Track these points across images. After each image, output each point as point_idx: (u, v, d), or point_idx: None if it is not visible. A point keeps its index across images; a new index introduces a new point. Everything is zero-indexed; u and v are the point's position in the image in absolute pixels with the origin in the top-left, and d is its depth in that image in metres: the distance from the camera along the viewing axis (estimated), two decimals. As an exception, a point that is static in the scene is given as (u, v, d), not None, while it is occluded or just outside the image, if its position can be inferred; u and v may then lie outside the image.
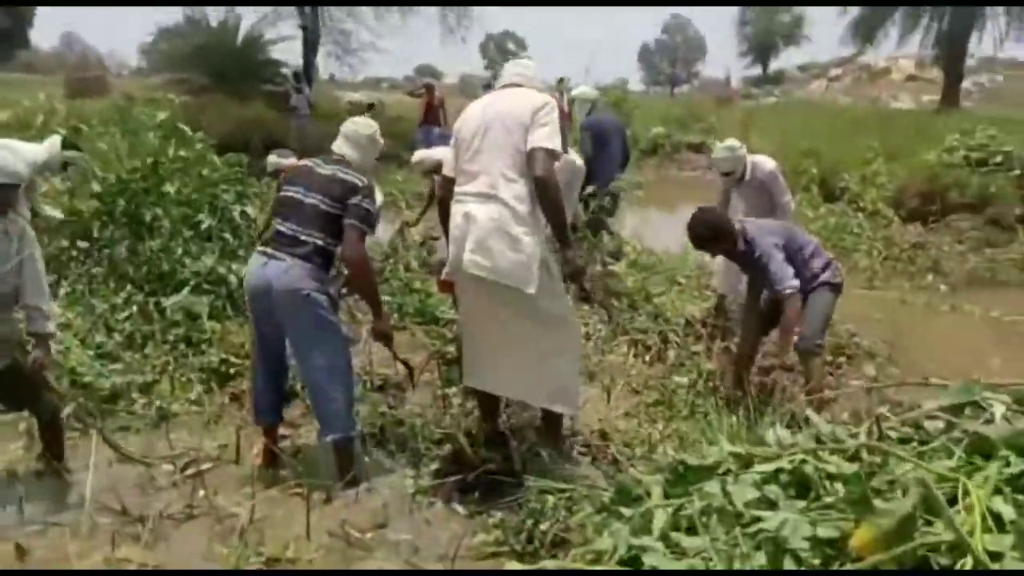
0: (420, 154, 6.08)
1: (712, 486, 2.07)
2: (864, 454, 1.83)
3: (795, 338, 3.80)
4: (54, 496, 3.03)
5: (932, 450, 1.75)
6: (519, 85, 3.16)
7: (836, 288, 3.86)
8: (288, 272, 3.01)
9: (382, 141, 3.44)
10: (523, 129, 2.90)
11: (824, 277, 3.82)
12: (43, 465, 3.25)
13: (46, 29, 75.22)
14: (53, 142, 5.44)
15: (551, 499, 2.74)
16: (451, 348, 4.62)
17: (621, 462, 3.16)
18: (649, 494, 2.34)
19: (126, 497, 2.94)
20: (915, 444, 1.85)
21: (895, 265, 7.59)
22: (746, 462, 2.20)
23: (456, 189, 3.09)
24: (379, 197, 5.80)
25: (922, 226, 8.73)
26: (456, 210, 3.04)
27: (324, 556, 2.68)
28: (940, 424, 1.85)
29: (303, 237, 3.08)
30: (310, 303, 3.02)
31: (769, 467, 1.96)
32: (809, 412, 2.33)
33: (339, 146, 3.31)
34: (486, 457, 3.12)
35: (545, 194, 2.87)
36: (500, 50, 64.02)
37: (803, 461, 1.92)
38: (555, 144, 2.89)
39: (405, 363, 3.76)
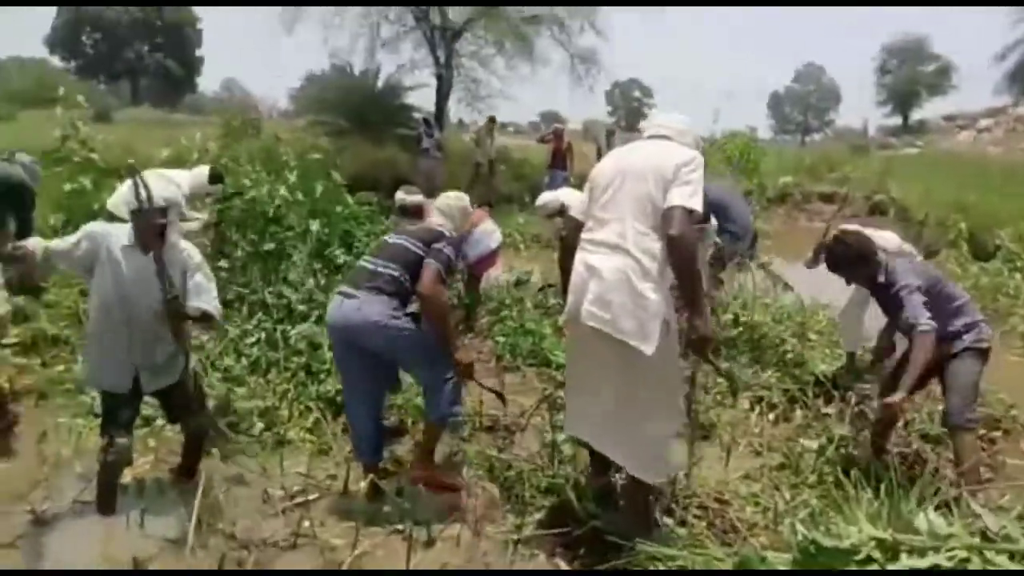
0: (545, 197, 6.10)
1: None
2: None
3: (946, 411, 3.41)
4: (174, 512, 3.12)
5: None
6: (666, 137, 3.00)
7: (982, 354, 3.43)
8: (360, 309, 3.18)
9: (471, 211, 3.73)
10: (663, 183, 2.73)
11: (968, 339, 3.41)
12: (170, 480, 3.41)
13: (211, 75, 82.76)
14: (201, 171, 5.88)
15: (661, 566, 2.55)
16: (562, 393, 4.52)
17: (740, 531, 2.90)
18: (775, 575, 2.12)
19: (236, 520, 3.00)
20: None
21: (1056, 332, 6.78)
22: (891, 550, 1.94)
23: (583, 235, 2.95)
24: (497, 236, 5.86)
25: (1090, 289, 7.80)
26: (580, 258, 2.90)
27: (422, 601, 2.61)
28: None
29: (380, 269, 3.29)
30: (388, 329, 3.17)
31: (922, 562, 1.71)
32: (971, 501, 2.03)
33: (435, 219, 3.60)
34: (594, 513, 2.95)
35: (679, 254, 2.68)
36: (625, 97, 64.39)
37: (965, 559, 1.67)
38: (695, 204, 2.71)
39: (496, 392, 3.78)
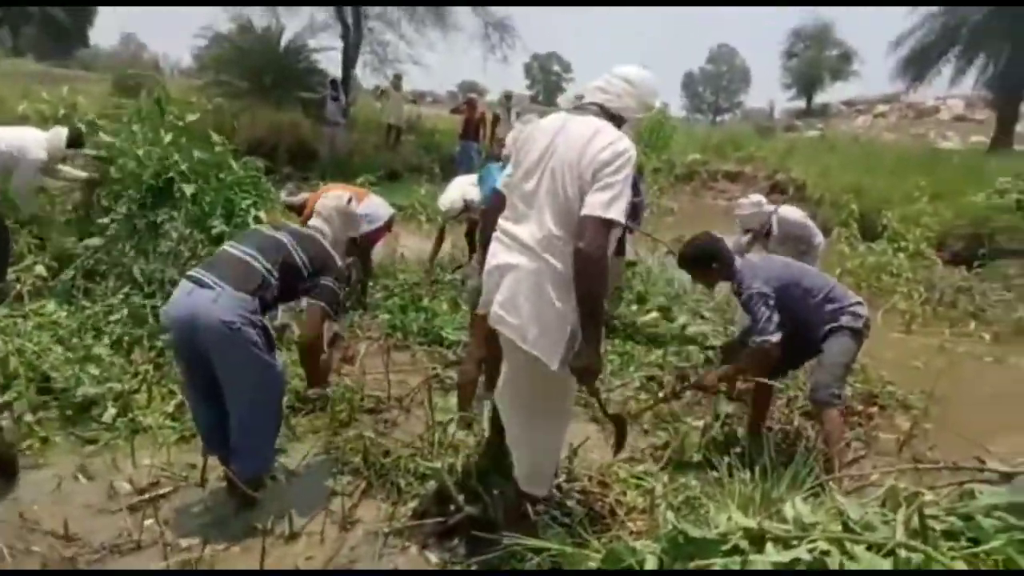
0: (445, 201, 5.89)
1: (716, 568, 1.75)
2: (902, 551, 1.49)
3: (810, 388, 3.45)
4: None
5: (988, 555, 1.40)
6: (600, 109, 2.55)
7: (855, 333, 3.43)
8: (217, 302, 2.72)
9: (357, 215, 3.52)
10: (579, 185, 2.36)
11: (842, 321, 3.42)
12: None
13: (108, 30, 77.32)
14: (58, 132, 5.35)
15: (535, 557, 2.43)
16: (451, 373, 4.35)
17: (618, 516, 2.82)
18: (642, 566, 2.03)
19: (74, 520, 2.69)
20: (965, 543, 1.51)
21: (935, 309, 7.12)
22: (758, 539, 1.87)
23: (503, 218, 2.60)
24: (385, 209, 5.60)
25: (966, 270, 8.24)
26: (494, 249, 2.58)
27: (274, 604, 2.40)
28: (996, 521, 1.50)
29: (249, 261, 2.87)
30: (234, 335, 2.71)
31: (785, 555, 1.63)
32: (835, 492, 1.98)
33: (313, 222, 3.27)
34: (470, 502, 2.80)
35: (583, 270, 2.30)
36: (544, 71, 64.18)
37: (826, 551, 1.60)
38: (614, 213, 2.30)
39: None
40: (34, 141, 5.32)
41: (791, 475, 2.47)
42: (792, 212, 5.37)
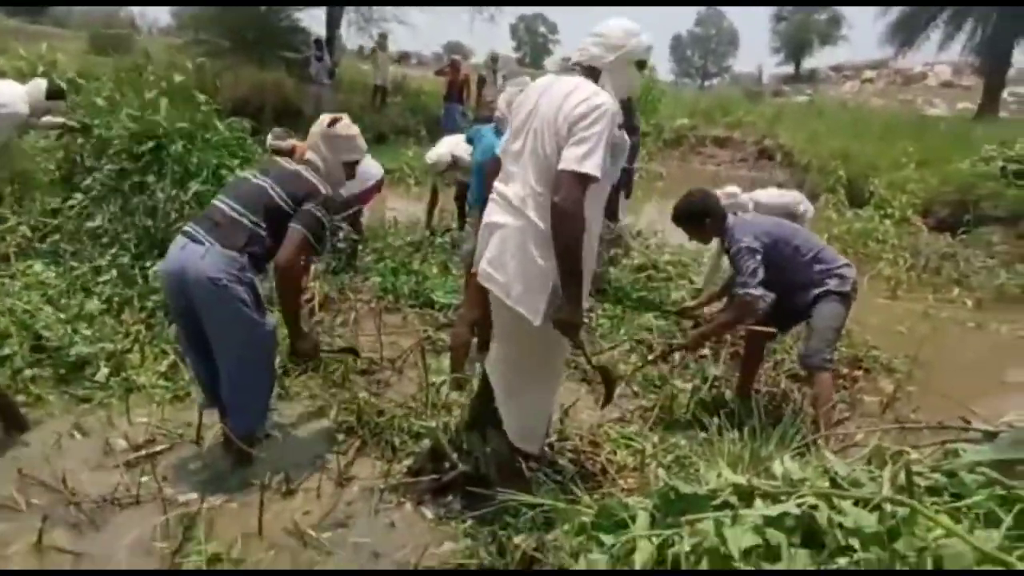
0: (432, 155, 5.90)
1: (706, 522, 1.81)
2: (888, 506, 1.54)
3: (802, 353, 3.50)
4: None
5: (970, 509, 1.46)
6: (579, 66, 2.57)
7: (844, 297, 3.49)
8: (205, 258, 2.71)
9: (357, 142, 3.15)
10: (556, 140, 2.39)
11: (830, 285, 3.46)
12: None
13: (80, -15, 74.81)
14: (37, 84, 5.24)
15: (529, 512, 2.49)
16: (443, 335, 4.39)
17: (609, 474, 2.89)
18: (634, 520, 2.08)
19: (72, 475, 2.71)
20: (948, 499, 1.56)
21: (920, 276, 7.22)
22: (747, 495, 1.93)
23: (496, 180, 2.66)
24: (376, 169, 5.56)
25: (951, 237, 8.34)
26: (488, 208, 2.64)
27: (274, 557, 2.45)
28: (979, 477, 1.56)
29: (235, 216, 2.83)
30: (221, 291, 2.70)
31: (773, 510, 1.69)
32: (823, 447, 2.04)
33: (306, 156, 3.09)
34: (464, 459, 2.84)
35: (558, 224, 2.33)
36: (530, 32, 63.28)
37: (814, 506, 1.65)
38: (589, 167, 2.30)
39: (347, 351, 3.52)
40: (12, 95, 5.19)
41: (779, 435, 2.54)
42: (767, 195, 5.45)
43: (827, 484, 1.86)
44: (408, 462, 3.04)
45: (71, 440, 3.09)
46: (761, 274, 3.34)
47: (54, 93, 5.26)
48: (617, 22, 2.62)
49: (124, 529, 2.54)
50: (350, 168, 3.16)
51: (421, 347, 3.77)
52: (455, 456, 2.86)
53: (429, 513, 2.75)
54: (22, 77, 6.51)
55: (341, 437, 3.24)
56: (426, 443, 3.08)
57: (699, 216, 3.52)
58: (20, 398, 3.27)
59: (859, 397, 4.19)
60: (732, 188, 5.56)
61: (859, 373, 4.55)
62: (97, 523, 2.55)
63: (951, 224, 8.70)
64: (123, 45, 18.46)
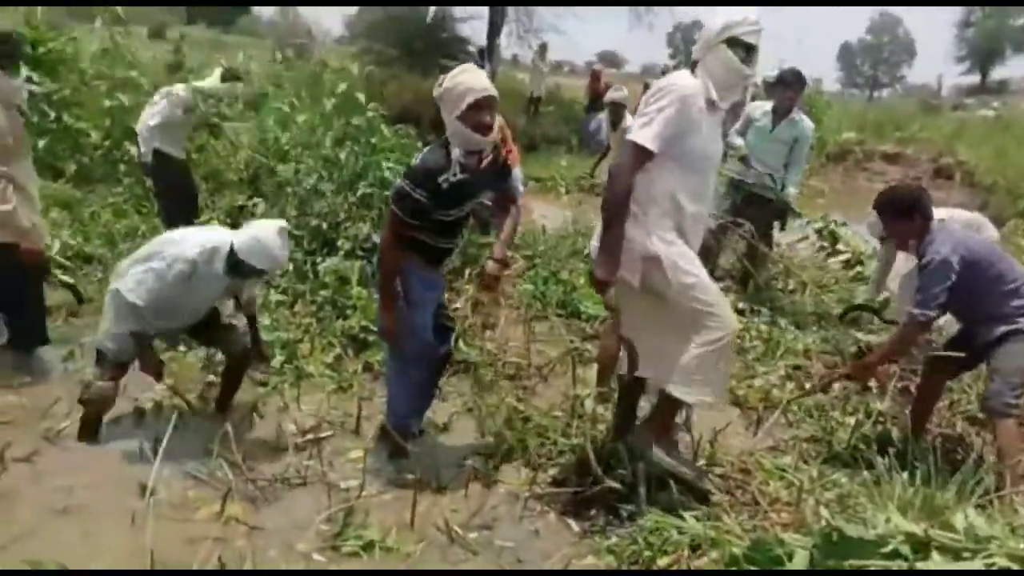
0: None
1: (874, 571, 1.70)
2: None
3: (984, 395, 3.18)
4: (189, 441, 3.10)
5: None
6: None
7: None
8: None
9: (460, 87, 2.76)
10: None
11: (1022, 324, 3.10)
12: (193, 408, 3.44)
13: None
14: (213, 76, 5.74)
15: (675, 533, 2.45)
16: (589, 346, 4.40)
17: (760, 505, 2.77)
18: (791, 558, 1.99)
19: (247, 453, 2.97)
20: None
21: None
22: (922, 546, 1.79)
23: None
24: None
25: None
26: None
27: (423, 551, 2.56)
28: None
29: None
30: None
31: (956, 567, 1.56)
32: (1018, 502, 1.86)
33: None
34: (611, 474, 2.84)
35: (608, 185, 2.63)
36: (686, 41, 62.00)
37: (1005, 569, 1.51)
38: (642, 137, 2.54)
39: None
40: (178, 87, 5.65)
41: (958, 483, 2.34)
42: (942, 215, 4.87)
43: (1021, 546, 1.69)
44: (553, 471, 3.08)
45: (251, 421, 3.39)
46: (942, 298, 3.06)
47: (227, 76, 5.73)
48: (717, 17, 2.66)
49: (293, 507, 2.76)
50: (474, 112, 2.74)
51: (572, 357, 3.79)
52: (600, 470, 2.86)
53: (575, 525, 2.77)
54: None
55: (489, 440, 3.33)
56: (571, 454, 3.11)
57: (907, 209, 3.20)
58: (211, 378, 3.64)
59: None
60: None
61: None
62: (269, 499, 2.79)
63: None
64: (303, 54, 20.09)
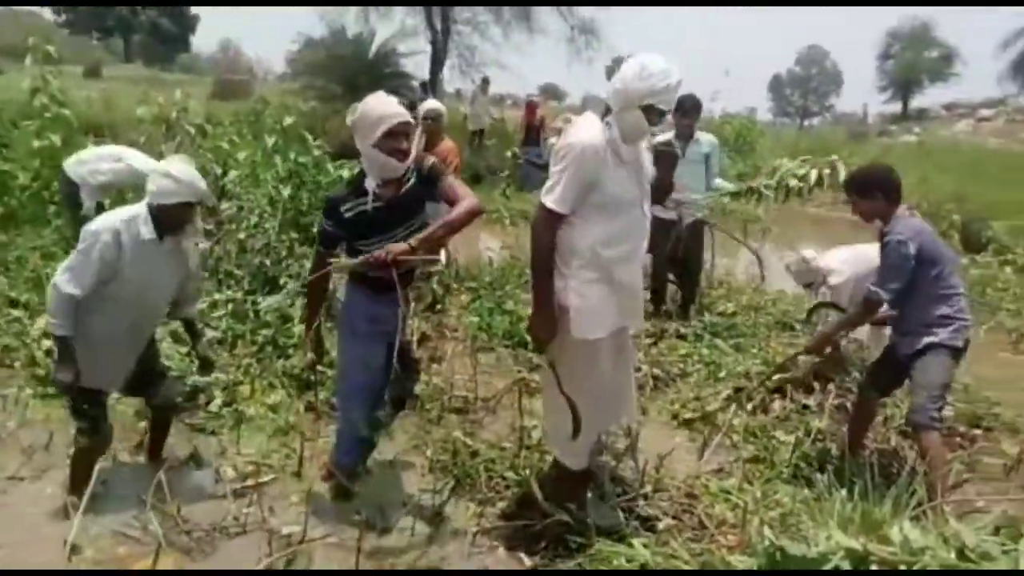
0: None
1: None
2: (1023, 584, 1.43)
3: (909, 409, 3.29)
4: (122, 492, 2.97)
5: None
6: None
7: (954, 352, 3.24)
8: None
9: (374, 114, 2.74)
10: None
11: (942, 335, 3.20)
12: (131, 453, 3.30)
13: (208, 36, 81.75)
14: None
15: (624, 561, 2.44)
16: (536, 377, 4.39)
17: (707, 528, 2.79)
18: (739, 582, 2.01)
19: (185, 502, 2.86)
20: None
21: (1047, 328, 6.68)
22: (861, 561, 1.83)
23: None
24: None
25: (1084, 288, 7.69)
26: None
27: (370, 595, 2.49)
28: None
29: None
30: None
31: (892, 579, 1.59)
32: (949, 517, 1.91)
33: None
34: (559, 507, 2.82)
35: (530, 245, 2.68)
36: (625, 73, 63.50)
37: (938, 579, 1.55)
38: (549, 200, 2.58)
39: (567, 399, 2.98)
40: (137, 156, 5.59)
41: (893, 497, 2.40)
42: (855, 257, 4.93)
43: (952, 555, 1.74)
44: (502, 504, 3.05)
45: (187, 469, 3.27)
46: (900, 281, 3.16)
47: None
48: (640, 60, 2.58)
49: (231, 557, 2.66)
50: (389, 140, 2.71)
51: (519, 388, 3.78)
52: (546, 504, 2.84)
53: (526, 560, 2.73)
54: (158, 123, 7.08)
55: (436, 476, 3.28)
56: (519, 488, 3.09)
57: (875, 188, 3.29)
58: (143, 425, 3.50)
59: (979, 459, 3.89)
60: (808, 252, 5.13)
61: (978, 432, 4.22)
62: (206, 550, 2.68)
63: (1083, 274, 8.05)
64: (243, 91, 19.89)
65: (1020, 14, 18.65)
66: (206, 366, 3.37)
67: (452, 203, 2.90)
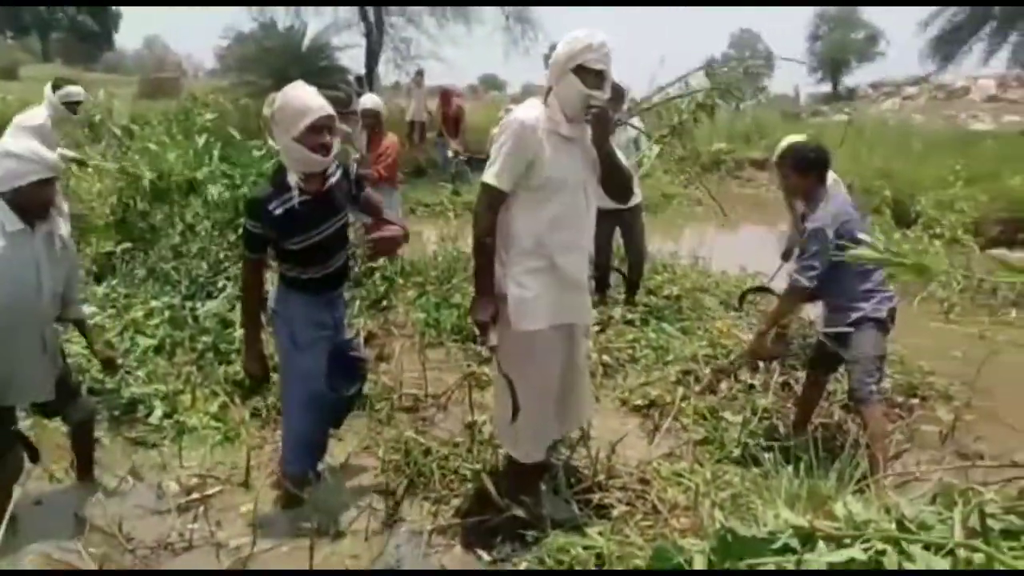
0: None
1: (766, 568, 1.75)
2: (962, 551, 1.48)
3: (849, 387, 3.39)
4: (57, 511, 2.85)
5: (1053, 557, 1.39)
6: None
7: (881, 324, 3.35)
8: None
9: (296, 105, 2.68)
10: None
11: (867, 308, 3.32)
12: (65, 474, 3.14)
13: (132, 33, 78.64)
14: (46, 93, 5.41)
15: (581, 551, 2.45)
16: (486, 369, 4.38)
17: (661, 513, 2.82)
18: (691, 564, 2.03)
19: (127, 519, 2.75)
20: (1027, 543, 1.49)
21: (974, 297, 6.99)
22: (808, 537, 1.86)
23: None
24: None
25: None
26: None
27: (326, 603, 2.44)
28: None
29: None
30: (276, 323, 2.92)
31: (839, 555, 1.63)
32: (888, 490, 1.96)
33: None
34: (514, 501, 2.81)
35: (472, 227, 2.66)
36: (563, 61, 63.72)
37: (881, 551, 1.59)
38: (489, 177, 2.58)
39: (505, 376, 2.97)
40: (32, 118, 5.29)
41: (838, 471, 2.46)
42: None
43: (893, 526, 1.79)
44: (456, 502, 3.03)
45: (126, 484, 3.15)
46: (818, 269, 3.26)
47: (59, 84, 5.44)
48: (562, 43, 2.63)
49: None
50: (312, 134, 2.64)
51: (469, 383, 3.75)
52: (500, 499, 2.83)
53: (485, 555, 2.72)
54: (81, 127, 6.77)
55: (388, 477, 3.24)
56: (472, 484, 3.07)
57: (812, 167, 3.38)
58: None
59: (916, 428, 4.04)
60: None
61: (915, 401, 4.39)
62: (152, 569, 2.58)
63: (1004, 243, 8.43)
64: (172, 89, 19.23)
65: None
66: (110, 365, 3.19)
67: (374, 214, 2.93)
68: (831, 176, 3.76)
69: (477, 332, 2.72)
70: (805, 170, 3.39)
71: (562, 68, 2.57)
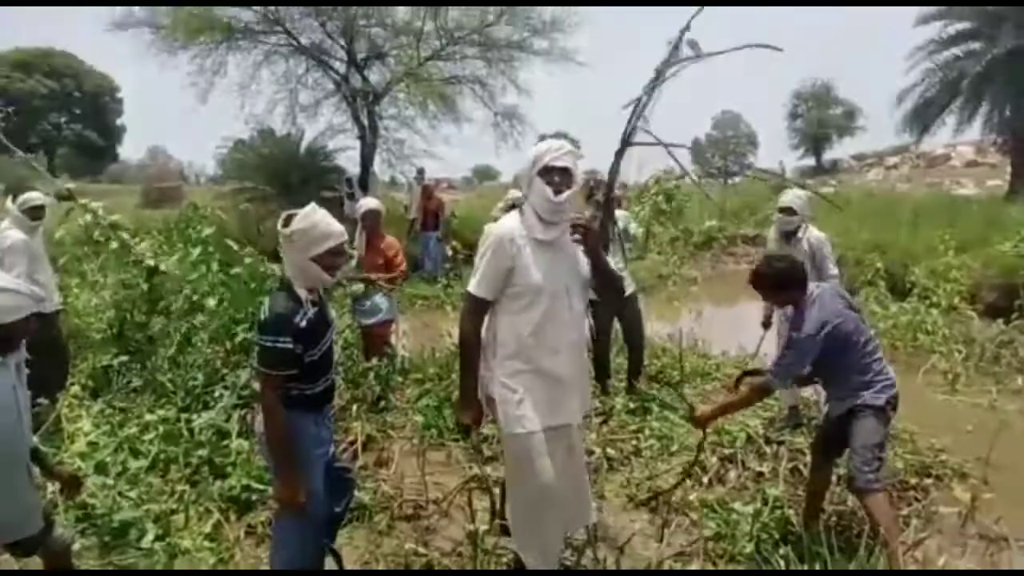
0: None
1: None
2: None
3: (848, 477, 3.30)
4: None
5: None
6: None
7: (880, 412, 3.26)
8: None
9: (319, 229, 2.70)
10: None
11: (866, 397, 3.26)
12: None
13: (135, 143, 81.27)
14: (7, 206, 5.32)
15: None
16: (489, 469, 4.28)
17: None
18: None
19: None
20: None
21: (978, 366, 6.92)
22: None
23: None
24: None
25: (1004, 323, 7.99)
26: None
27: None
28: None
29: None
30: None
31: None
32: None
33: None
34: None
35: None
36: (554, 149, 65.39)
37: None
38: (472, 287, 2.81)
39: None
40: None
41: (856, 566, 2.37)
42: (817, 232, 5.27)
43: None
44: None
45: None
46: (799, 372, 3.34)
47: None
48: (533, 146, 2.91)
49: None
50: (331, 256, 2.72)
51: (469, 490, 3.65)
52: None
53: None
54: (82, 243, 6.85)
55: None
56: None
57: (790, 284, 3.39)
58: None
59: (935, 511, 3.91)
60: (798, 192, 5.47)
61: (929, 482, 4.27)
62: (154, 569, 2.44)
63: (1002, 309, 8.41)
64: (174, 197, 19.64)
65: (911, 68, 20.01)
66: (74, 484, 3.02)
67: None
68: (818, 235, 3.88)
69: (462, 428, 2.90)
70: (786, 288, 3.43)
71: (529, 174, 2.75)
